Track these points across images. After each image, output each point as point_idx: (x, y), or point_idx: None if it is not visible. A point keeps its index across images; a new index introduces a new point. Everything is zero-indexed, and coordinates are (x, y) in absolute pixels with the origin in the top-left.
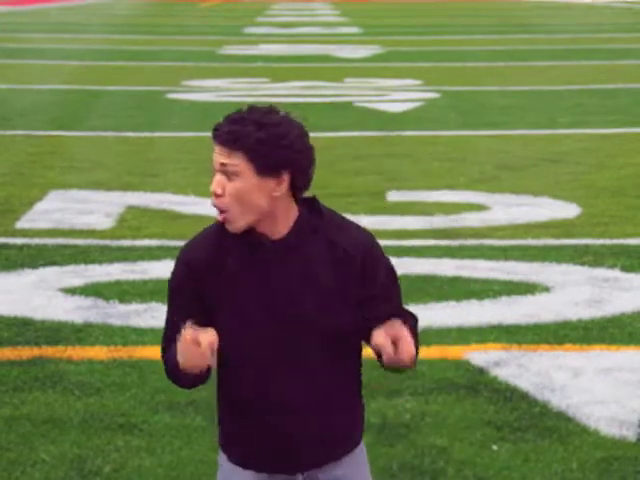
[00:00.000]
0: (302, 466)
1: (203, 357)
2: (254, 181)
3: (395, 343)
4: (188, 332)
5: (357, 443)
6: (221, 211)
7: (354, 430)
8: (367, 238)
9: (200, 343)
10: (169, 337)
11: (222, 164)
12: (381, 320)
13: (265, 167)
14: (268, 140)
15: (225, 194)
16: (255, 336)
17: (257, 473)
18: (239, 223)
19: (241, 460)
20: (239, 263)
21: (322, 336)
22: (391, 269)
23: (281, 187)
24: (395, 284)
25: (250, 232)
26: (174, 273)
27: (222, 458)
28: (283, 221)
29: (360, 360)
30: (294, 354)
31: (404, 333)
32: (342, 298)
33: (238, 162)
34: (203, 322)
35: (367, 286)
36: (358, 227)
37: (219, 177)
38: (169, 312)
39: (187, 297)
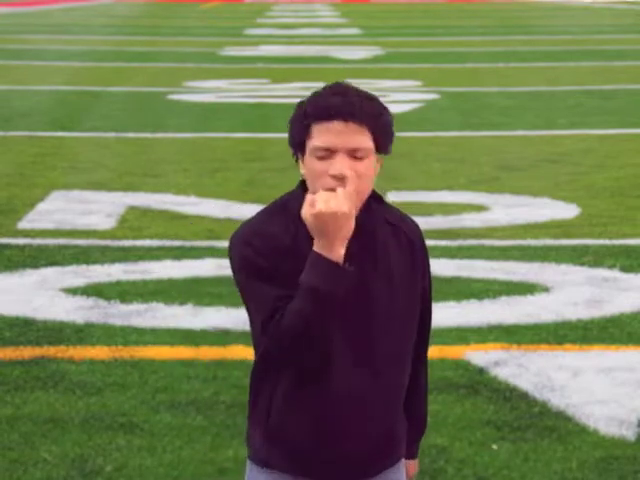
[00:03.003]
0: (353, 475)
1: (340, 200)
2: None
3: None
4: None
5: (401, 455)
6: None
7: (403, 439)
8: (419, 227)
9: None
10: (275, 310)
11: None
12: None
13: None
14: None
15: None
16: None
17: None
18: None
19: (289, 464)
20: (308, 248)
21: (391, 321)
22: (430, 268)
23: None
24: (431, 293)
25: None
26: (244, 254)
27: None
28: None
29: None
30: (364, 344)
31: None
32: (412, 296)
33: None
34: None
35: (423, 282)
36: (407, 216)
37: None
38: (257, 293)
39: (267, 270)
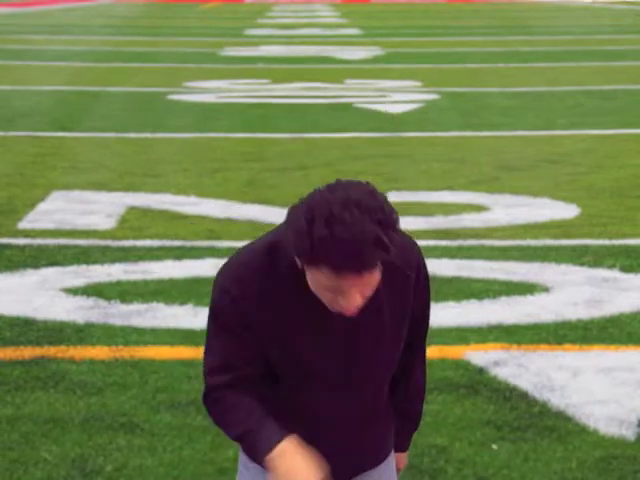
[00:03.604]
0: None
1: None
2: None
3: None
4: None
5: (390, 449)
6: None
7: (390, 438)
8: (417, 251)
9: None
10: (225, 368)
11: None
12: (408, 346)
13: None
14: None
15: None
16: (308, 367)
17: None
18: None
19: None
20: (294, 296)
21: (379, 368)
22: (429, 284)
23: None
24: (429, 304)
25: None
26: (219, 303)
27: (247, 463)
28: None
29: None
30: (348, 382)
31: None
32: (400, 327)
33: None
34: (256, 351)
35: (415, 305)
36: (405, 238)
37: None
38: (217, 340)
39: (237, 327)
